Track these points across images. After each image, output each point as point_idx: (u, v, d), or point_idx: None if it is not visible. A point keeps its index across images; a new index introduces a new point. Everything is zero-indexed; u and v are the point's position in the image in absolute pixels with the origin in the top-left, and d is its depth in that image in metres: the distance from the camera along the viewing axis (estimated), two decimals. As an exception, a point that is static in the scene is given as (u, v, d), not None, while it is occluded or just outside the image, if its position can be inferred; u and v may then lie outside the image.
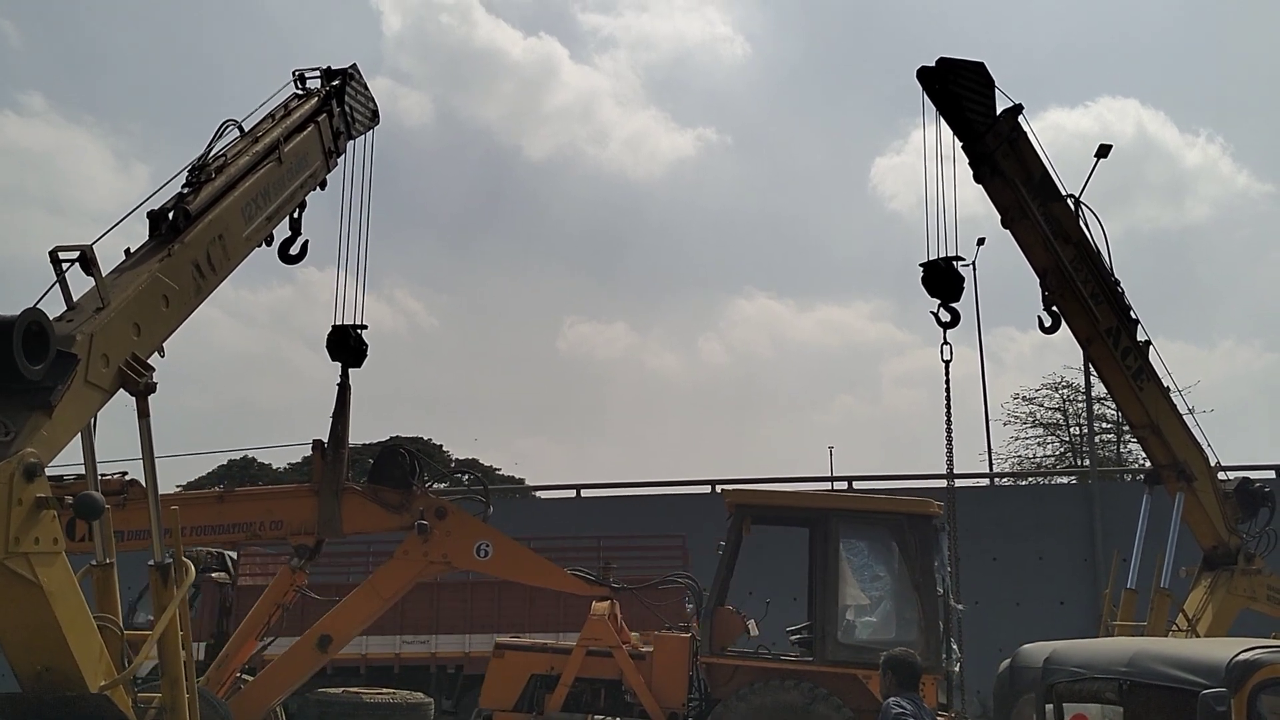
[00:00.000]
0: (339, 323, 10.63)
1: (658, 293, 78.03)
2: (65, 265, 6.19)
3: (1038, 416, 41.91)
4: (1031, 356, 68.93)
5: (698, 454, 66.69)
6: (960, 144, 10.80)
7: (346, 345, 10.64)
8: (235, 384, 71.30)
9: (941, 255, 10.43)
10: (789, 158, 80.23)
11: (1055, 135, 59.19)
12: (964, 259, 10.58)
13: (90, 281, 6.34)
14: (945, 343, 10.59)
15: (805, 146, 79.80)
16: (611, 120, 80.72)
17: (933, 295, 10.50)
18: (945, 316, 10.54)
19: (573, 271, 78.45)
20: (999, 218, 10.96)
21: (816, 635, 9.99)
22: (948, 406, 10.67)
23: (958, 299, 10.56)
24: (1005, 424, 41.81)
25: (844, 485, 22.36)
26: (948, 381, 10.62)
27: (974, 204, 11.31)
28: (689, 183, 79.10)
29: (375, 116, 10.20)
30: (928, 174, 10.55)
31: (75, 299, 6.29)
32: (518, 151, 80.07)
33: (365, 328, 10.76)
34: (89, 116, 75.98)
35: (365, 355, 10.77)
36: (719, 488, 20.41)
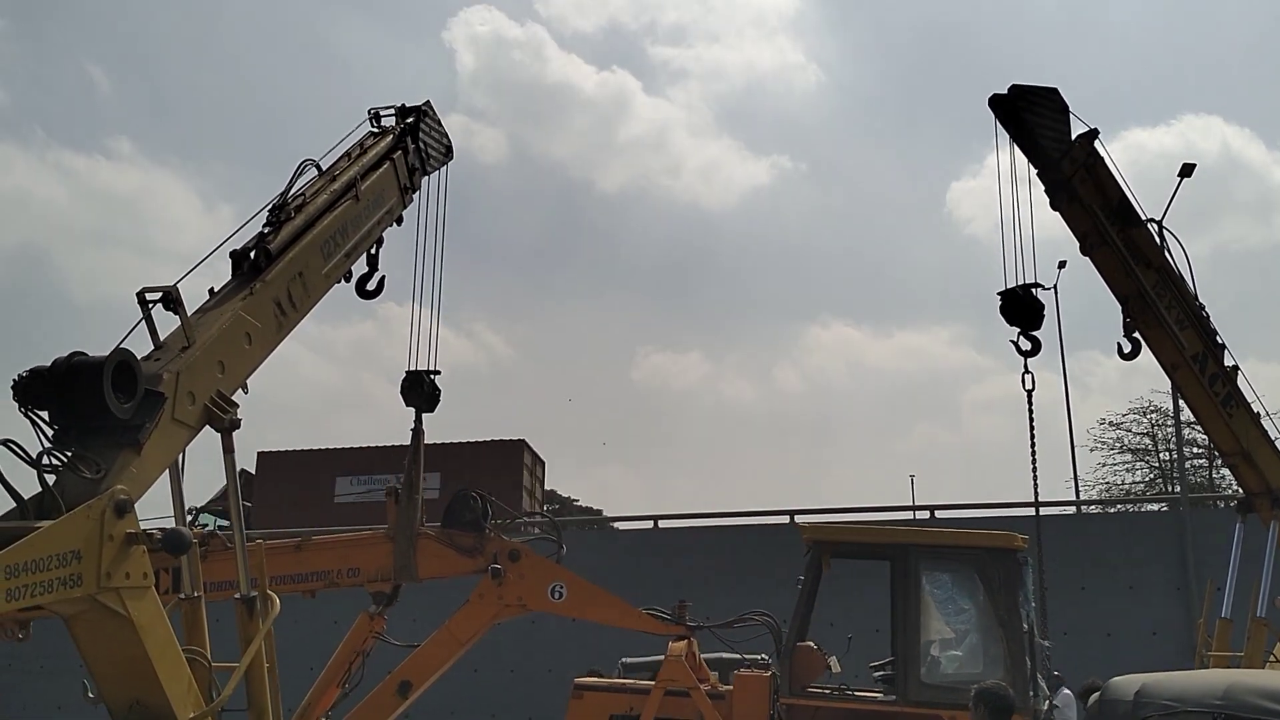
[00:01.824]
0: (413, 367, 10.66)
1: (732, 322, 78.08)
2: (151, 305, 6.35)
3: (1125, 442, 41.05)
4: (1117, 381, 67.65)
5: (775, 483, 66.29)
6: (1035, 171, 10.61)
7: (420, 390, 10.68)
8: (319, 418, 72.67)
9: (1020, 283, 10.22)
10: (864, 184, 79.96)
11: (1137, 155, 58.18)
12: (1043, 285, 10.34)
13: (176, 320, 6.50)
14: (1026, 371, 10.33)
15: (880, 172, 79.48)
16: (685, 151, 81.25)
17: (1012, 324, 10.27)
18: (1025, 345, 10.29)
19: (647, 302, 78.91)
20: (1078, 244, 10.75)
21: (899, 674, 9.77)
22: (1032, 438, 10.37)
23: (1038, 327, 10.31)
24: (1092, 450, 40.98)
25: (926, 515, 22.00)
26: (1031, 412, 10.33)
27: (1053, 227, 11.11)
28: (763, 211, 79.22)
29: (449, 152, 10.31)
30: (1003, 200, 10.37)
31: (162, 338, 6.46)
32: (591, 185, 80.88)
33: (439, 373, 10.79)
34: (174, 159, 78.57)
35: (438, 400, 10.80)
36: (797, 518, 20.21)
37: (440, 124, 10.14)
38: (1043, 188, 10.61)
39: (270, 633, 6.74)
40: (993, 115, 10.54)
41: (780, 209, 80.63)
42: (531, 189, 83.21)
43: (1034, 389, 10.27)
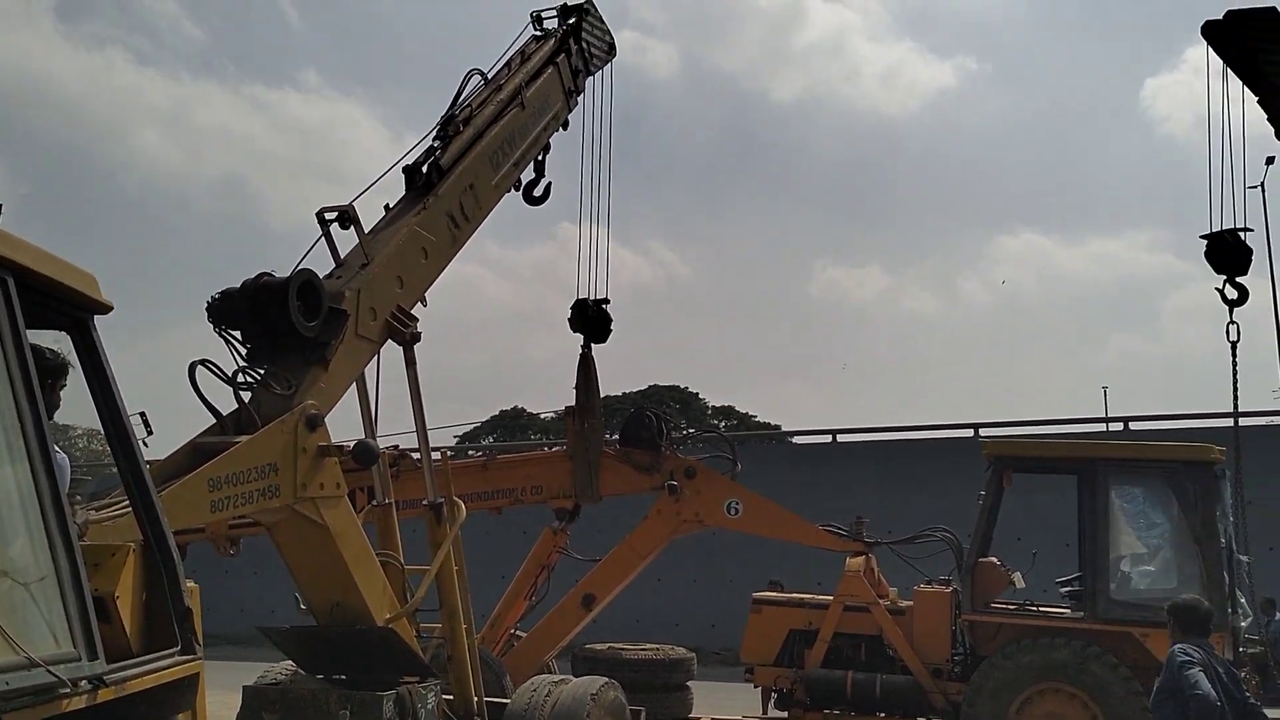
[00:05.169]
0: (584, 291, 10.77)
1: (913, 233, 75.44)
2: (329, 224, 6.55)
3: (1344, 349, 38.17)
4: (1335, 283, 62.34)
5: (959, 398, 64.40)
6: (1257, 99, 9.69)
7: (586, 318, 10.80)
8: (506, 338, 74.47)
9: (1226, 227, 9.27)
10: (1053, 83, 75.53)
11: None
12: (1251, 229, 9.45)
13: (356, 239, 6.69)
14: (1232, 321, 9.49)
15: (1070, 70, 74.79)
16: (863, 56, 78.32)
17: (1218, 271, 9.44)
18: (1231, 294, 9.41)
19: (823, 215, 77.02)
20: None
21: (1087, 591, 9.46)
22: (1235, 392, 9.54)
23: (1245, 273, 9.47)
24: (1305, 358, 38.27)
25: (1119, 427, 20.99)
26: (1235, 364, 9.49)
27: (1260, 122, 10.19)
28: (947, 117, 75.85)
29: (612, 49, 10.19)
30: (1210, 115, 9.49)
31: (342, 256, 6.67)
32: (765, 95, 79.15)
33: (608, 301, 10.87)
34: (358, 88, 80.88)
35: (609, 329, 10.89)
36: (981, 432, 19.61)
37: (602, 20, 9.99)
38: (1266, 118, 9.68)
39: (458, 538, 6.99)
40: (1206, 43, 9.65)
41: (964, 114, 77.06)
42: (704, 104, 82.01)
43: (1239, 340, 9.38)
